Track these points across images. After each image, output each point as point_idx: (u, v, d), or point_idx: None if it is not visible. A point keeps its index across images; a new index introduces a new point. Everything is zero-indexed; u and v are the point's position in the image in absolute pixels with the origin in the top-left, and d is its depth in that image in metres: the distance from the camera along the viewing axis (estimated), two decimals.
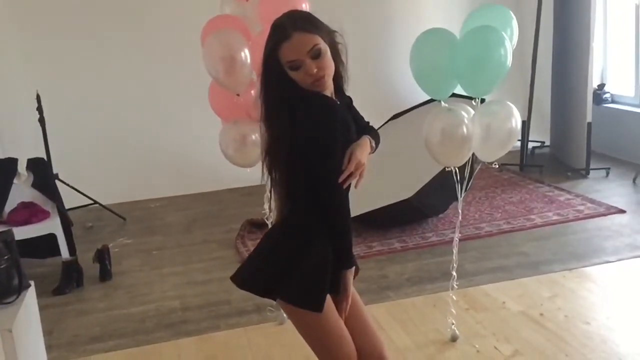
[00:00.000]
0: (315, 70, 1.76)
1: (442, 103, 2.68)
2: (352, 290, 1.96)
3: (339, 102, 1.87)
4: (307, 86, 1.79)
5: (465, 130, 2.59)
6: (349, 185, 1.85)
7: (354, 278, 1.92)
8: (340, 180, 1.79)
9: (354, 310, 1.97)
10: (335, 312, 1.87)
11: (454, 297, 2.97)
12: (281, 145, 1.84)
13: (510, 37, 2.63)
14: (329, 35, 1.83)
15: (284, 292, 1.86)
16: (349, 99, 2.01)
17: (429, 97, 3.82)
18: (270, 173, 1.92)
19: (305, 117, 1.79)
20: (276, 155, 1.87)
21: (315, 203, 1.82)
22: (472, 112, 2.67)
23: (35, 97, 4.65)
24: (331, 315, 1.85)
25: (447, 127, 2.60)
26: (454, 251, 2.95)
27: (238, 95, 2.91)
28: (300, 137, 1.79)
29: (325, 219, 1.82)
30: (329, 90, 1.86)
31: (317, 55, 1.76)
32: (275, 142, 1.86)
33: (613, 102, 6.23)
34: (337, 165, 1.79)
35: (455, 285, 2.95)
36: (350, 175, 1.81)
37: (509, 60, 2.53)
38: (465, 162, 2.75)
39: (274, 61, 1.79)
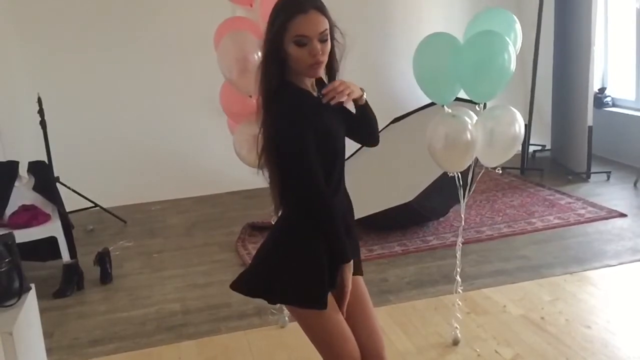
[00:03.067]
0: (319, 52, 1.75)
1: (445, 108, 2.67)
2: (362, 288, 1.98)
3: (317, 95, 1.85)
4: (302, 68, 1.78)
5: (469, 135, 2.58)
6: (335, 181, 1.84)
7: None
8: (323, 92, 1.77)
9: (361, 307, 1.97)
10: (337, 310, 1.87)
11: (459, 302, 2.97)
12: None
13: (514, 42, 2.62)
14: (332, 28, 1.83)
15: (284, 293, 1.87)
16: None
17: (430, 101, 3.83)
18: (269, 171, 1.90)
19: (274, 115, 1.78)
20: (269, 151, 1.84)
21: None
22: (475, 117, 2.67)
23: (36, 100, 4.66)
24: (333, 314, 1.85)
25: (451, 133, 2.59)
26: (457, 255, 2.95)
27: (250, 96, 2.93)
28: (273, 135, 1.79)
29: (308, 215, 1.81)
30: (311, 80, 1.86)
31: (324, 39, 1.77)
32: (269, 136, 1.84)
33: (614, 105, 6.23)
34: (312, 164, 1.76)
35: (460, 290, 2.95)
36: (333, 92, 1.78)
37: (513, 65, 2.52)
38: (468, 167, 2.75)
39: (281, 37, 1.74)
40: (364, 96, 1.95)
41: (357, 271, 2.00)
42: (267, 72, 1.80)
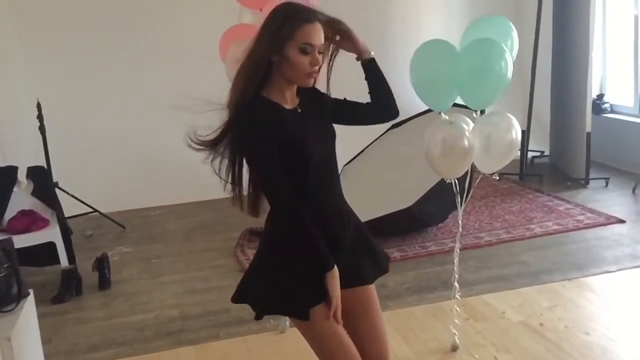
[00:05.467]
0: (320, 62, 1.80)
1: (443, 115, 2.68)
2: (368, 295, 1.97)
3: (288, 107, 1.85)
4: (298, 75, 1.80)
5: (466, 142, 2.58)
6: (314, 194, 1.84)
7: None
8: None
9: (368, 315, 1.97)
10: (331, 321, 1.84)
11: (457, 307, 2.97)
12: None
13: (511, 49, 2.63)
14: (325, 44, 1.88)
15: (266, 302, 1.89)
16: (320, 95, 2.00)
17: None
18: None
19: (238, 126, 1.81)
20: (234, 157, 1.87)
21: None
22: (472, 123, 2.67)
23: (35, 105, 4.66)
24: (329, 324, 1.83)
25: (448, 140, 2.59)
26: (455, 261, 2.95)
27: None
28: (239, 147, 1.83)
29: (281, 223, 1.85)
30: (292, 92, 1.87)
31: (321, 52, 1.82)
32: None
33: (612, 112, 6.25)
34: (273, 175, 1.78)
35: (457, 296, 2.95)
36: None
37: (510, 73, 2.53)
38: (465, 173, 2.75)
39: (284, 43, 1.76)
40: (372, 54, 2.00)
41: (363, 280, 1.98)
42: (252, 72, 1.81)
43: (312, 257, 1.81)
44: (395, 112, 2.09)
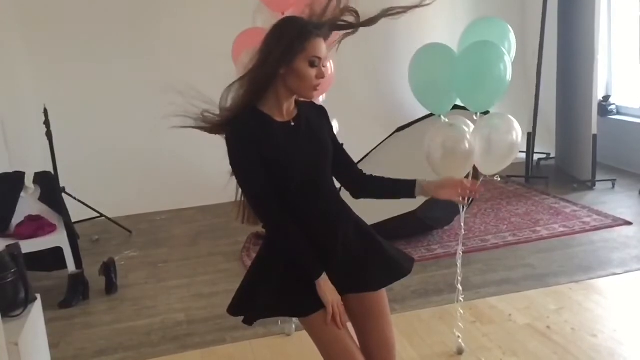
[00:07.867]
0: (325, 75, 1.82)
1: (443, 118, 2.68)
2: (373, 302, 1.96)
3: (280, 120, 1.85)
4: (304, 88, 1.82)
5: (467, 144, 2.58)
6: (299, 205, 1.85)
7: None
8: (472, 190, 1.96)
9: (374, 317, 1.97)
10: (331, 326, 1.84)
11: (461, 311, 2.97)
12: None
13: (509, 51, 2.63)
14: None
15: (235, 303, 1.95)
16: (319, 110, 2.02)
17: None
18: None
19: (226, 135, 1.83)
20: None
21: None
22: (473, 126, 2.67)
23: (42, 111, 4.69)
24: (331, 330, 1.84)
25: (448, 142, 2.59)
26: (458, 264, 2.95)
27: None
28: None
29: (267, 231, 1.91)
30: (289, 103, 1.88)
31: (325, 65, 1.84)
32: None
33: (618, 113, 6.23)
34: (255, 185, 1.81)
35: (461, 299, 2.95)
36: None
37: (509, 75, 2.52)
38: (467, 176, 2.75)
39: (294, 55, 1.77)
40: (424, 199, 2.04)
41: (365, 286, 1.96)
42: (260, 85, 1.81)
43: (297, 266, 1.84)
44: (358, 199, 2.12)
